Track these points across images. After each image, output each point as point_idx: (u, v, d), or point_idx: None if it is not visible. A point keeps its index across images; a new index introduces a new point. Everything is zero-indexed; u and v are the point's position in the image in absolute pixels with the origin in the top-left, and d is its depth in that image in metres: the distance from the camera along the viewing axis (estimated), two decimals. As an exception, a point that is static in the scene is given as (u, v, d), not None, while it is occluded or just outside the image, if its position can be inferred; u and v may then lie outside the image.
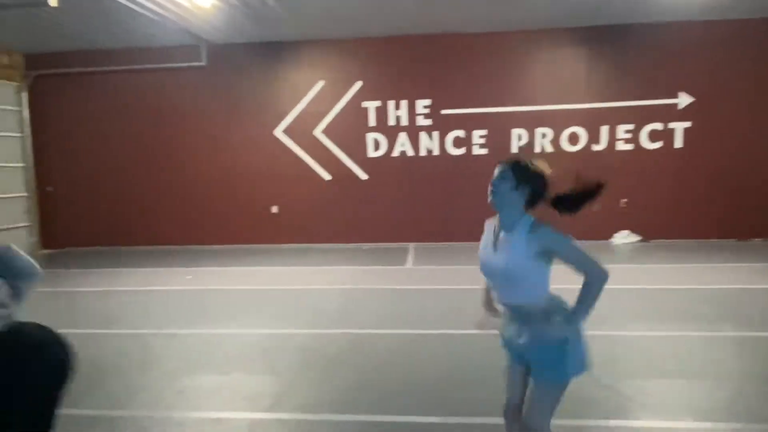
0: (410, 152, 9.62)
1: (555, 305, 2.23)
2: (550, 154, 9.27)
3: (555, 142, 9.31)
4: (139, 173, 10.07)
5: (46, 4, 6.54)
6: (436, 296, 6.33)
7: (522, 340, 2.25)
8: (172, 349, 4.70)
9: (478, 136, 9.47)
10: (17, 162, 9.99)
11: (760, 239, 9.04)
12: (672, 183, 9.18)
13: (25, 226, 10.11)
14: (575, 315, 2.15)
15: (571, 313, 2.17)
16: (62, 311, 6.08)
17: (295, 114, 9.70)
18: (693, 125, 9.03)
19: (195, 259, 8.87)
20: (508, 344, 2.37)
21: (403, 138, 9.60)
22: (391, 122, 9.58)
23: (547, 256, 2.16)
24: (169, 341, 4.88)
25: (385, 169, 9.68)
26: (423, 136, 9.56)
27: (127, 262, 8.85)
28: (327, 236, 9.85)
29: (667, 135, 9.12)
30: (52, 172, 10.22)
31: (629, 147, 9.21)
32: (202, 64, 9.59)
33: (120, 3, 6.96)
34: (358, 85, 9.54)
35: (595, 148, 9.26)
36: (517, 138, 9.35)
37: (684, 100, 8.99)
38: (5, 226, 9.56)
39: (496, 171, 2.24)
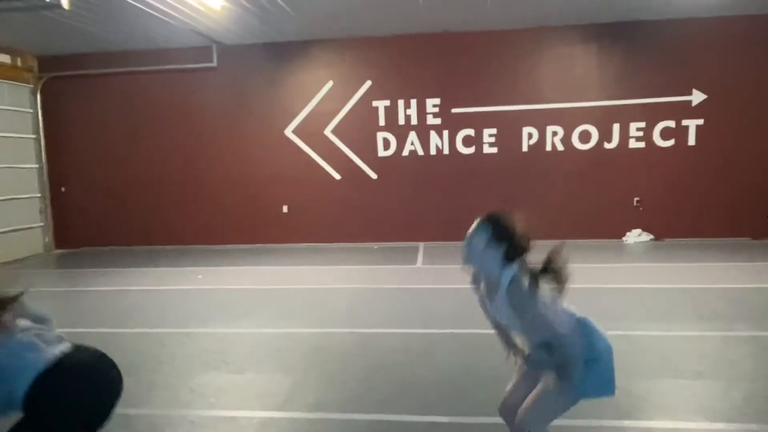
0: (420, 151, 9.61)
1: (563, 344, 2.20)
2: (561, 152, 9.24)
3: (566, 140, 9.25)
4: (151, 173, 10.16)
5: (59, 6, 6.60)
6: (445, 296, 6.33)
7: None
8: (185, 347, 4.73)
9: (488, 134, 9.43)
10: (31, 163, 10.12)
11: (774, 238, 8.94)
12: (685, 181, 9.09)
13: (39, 227, 10.24)
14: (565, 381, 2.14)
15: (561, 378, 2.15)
16: (76, 311, 6.15)
17: (305, 114, 9.73)
18: (706, 123, 8.93)
19: (206, 259, 8.94)
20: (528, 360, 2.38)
21: (412, 137, 9.59)
22: (401, 121, 9.58)
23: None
24: (183, 340, 4.93)
25: (395, 169, 9.68)
26: (433, 135, 9.54)
27: (140, 261, 8.93)
28: (337, 236, 9.87)
29: (679, 133, 9.03)
30: (66, 173, 10.34)
31: (641, 145, 9.13)
32: (213, 65, 9.65)
33: (131, 5, 7.02)
34: (368, 84, 9.54)
35: (607, 146, 9.19)
36: (528, 136, 9.31)
37: (697, 97, 8.90)
38: (20, 227, 9.70)
39: (473, 225, 2.22)
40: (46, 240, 10.36)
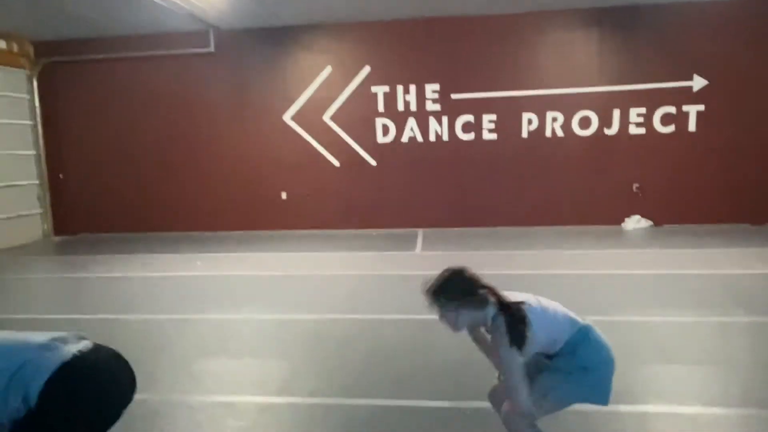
0: (419, 137, 9.56)
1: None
2: (561, 138, 9.20)
3: (566, 126, 9.21)
4: (149, 159, 10.11)
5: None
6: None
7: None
8: (185, 334, 4.75)
9: (487, 120, 9.38)
10: (29, 150, 10.06)
11: (774, 224, 8.94)
12: (685, 167, 9.06)
13: (37, 213, 10.22)
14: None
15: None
16: (75, 297, 6.16)
17: (303, 100, 9.67)
18: (707, 108, 8.87)
19: (205, 245, 8.93)
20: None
21: (412, 123, 9.54)
22: (400, 107, 9.52)
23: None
24: (182, 326, 4.94)
25: (394, 155, 9.64)
26: (432, 121, 9.49)
27: (138, 248, 8.93)
28: (336, 222, 9.86)
29: (680, 118, 8.98)
30: (64, 159, 10.30)
31: (641, 131, 9.08)
32: (211, 50, 9.56)
33: (127, -11, 6.95)
34: (367, 70, 9.47)
35: (607, 132, 9.15)
36: (528, 122, 9.26)
37: (698, 82, 8.84)
38: (18, 214, 9.68)
39: (431, 304, 2.30)
40: (45, 227, 10.35)
